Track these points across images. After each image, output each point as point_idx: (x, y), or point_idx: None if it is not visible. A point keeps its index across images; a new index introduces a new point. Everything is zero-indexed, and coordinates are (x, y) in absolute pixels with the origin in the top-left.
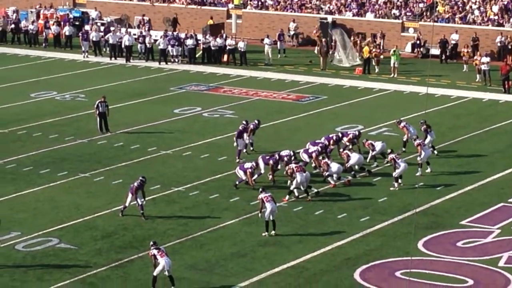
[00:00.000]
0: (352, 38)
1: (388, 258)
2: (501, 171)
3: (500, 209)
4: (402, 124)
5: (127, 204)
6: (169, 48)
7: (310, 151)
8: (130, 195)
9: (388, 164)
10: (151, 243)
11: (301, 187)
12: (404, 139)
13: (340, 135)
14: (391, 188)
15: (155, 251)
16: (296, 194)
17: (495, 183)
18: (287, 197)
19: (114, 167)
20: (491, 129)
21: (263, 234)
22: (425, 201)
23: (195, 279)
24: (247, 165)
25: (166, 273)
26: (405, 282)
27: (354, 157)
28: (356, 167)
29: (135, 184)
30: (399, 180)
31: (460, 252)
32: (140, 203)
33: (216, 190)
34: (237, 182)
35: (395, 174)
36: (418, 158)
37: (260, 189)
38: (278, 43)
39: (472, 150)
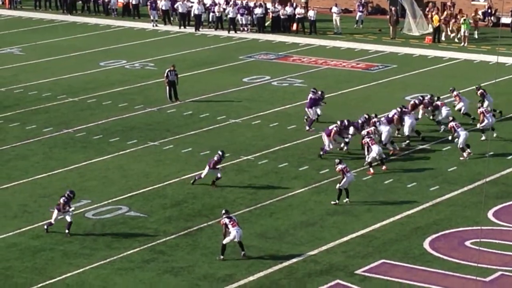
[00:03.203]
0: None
1: (457, 228)
2: None
3: None
4: (455, 93)
5: (202, 176)
6: (239, 16)
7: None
8: (207, 168)
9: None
10: (223, 211)
11: (377, 157)
12: (456, 108)
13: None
14: (461, 158)
15: (226, 220)
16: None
17: None
18: (371, 169)
19: (183, 135)
20: None
21: (333, 202)
22: (495, 170)
23: (265, 247)
24: (331, 126)
25: (236, 239)
26: (475, 252)
27: (407, 121)
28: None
29: (215, 158)
30: (468, 150)
31: None
32: (218, 176)
33: (285, 158)
34: (321, 153)
35: (459, 145)
36: (479, 125)
37: (338, 161)
38: (358, 13)
39: None
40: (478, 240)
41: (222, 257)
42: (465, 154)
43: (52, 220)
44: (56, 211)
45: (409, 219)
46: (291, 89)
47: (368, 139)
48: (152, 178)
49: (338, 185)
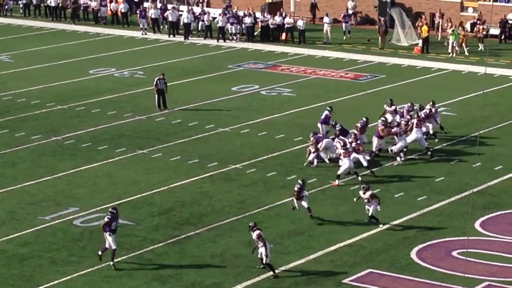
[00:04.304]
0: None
1: (445, 238)
2: None
3: None
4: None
5: (297, 206)
6: (228, 26)
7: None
8: (294, 200)
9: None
10: (252, 224)
11: (350, 172)
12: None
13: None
14: (395, 164)
15: (261, 232)
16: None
17: None
18: (337, 181)
19: (172, 144)
20: None
21: (380, 226)
22: (483, 181)
23: (252, 256)
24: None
25: (264, 258)
26: (462, 262)
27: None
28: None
29: (295, 188)
30: (400, 156)
31: None
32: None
33: (273, 168)
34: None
35: (394, 148)
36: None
37: (366, 186)
38: (344, 24)
39: None
40: (465, 250)
41: (275, 273)
42: (398, 159)
43: (107, 245)
44: (107, 235)
45: (397, 228)
46: (279, 98)
47: (342, 151)
48: (140, 186)
49: (370, 213)
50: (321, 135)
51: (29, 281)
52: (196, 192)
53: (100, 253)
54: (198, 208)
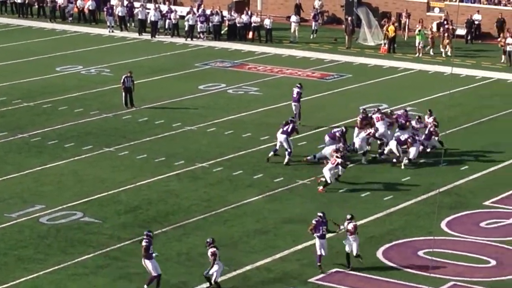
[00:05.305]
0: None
1: (411, 238)
2: None
3: None
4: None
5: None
6: (198, 24)
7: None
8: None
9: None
10: (211, 240)
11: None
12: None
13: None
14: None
15: (217, 251)
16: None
17: None
18: (321, 184)
19: (139, 142)
20: None
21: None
22: (449, 181)
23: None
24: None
25: (218, 275)
26: (428, 262)
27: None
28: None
29: (313, 222)
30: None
31: (483, 233)
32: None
33: (240, 166)
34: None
35: (411, 156)
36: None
37: (350, 216)
38: (313, 23)
39: (497, 130)
40: (431, 250)
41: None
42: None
43: (153, 273)
44: (146, 262)
45: (363, 228)
46: (246, 97)
47: (334, 155)
48: (107, 184)
49: (354, 251)
50: (288, 125)
51: None
52: (162, 191)
53: (146, 286)
54: (164, 206)
